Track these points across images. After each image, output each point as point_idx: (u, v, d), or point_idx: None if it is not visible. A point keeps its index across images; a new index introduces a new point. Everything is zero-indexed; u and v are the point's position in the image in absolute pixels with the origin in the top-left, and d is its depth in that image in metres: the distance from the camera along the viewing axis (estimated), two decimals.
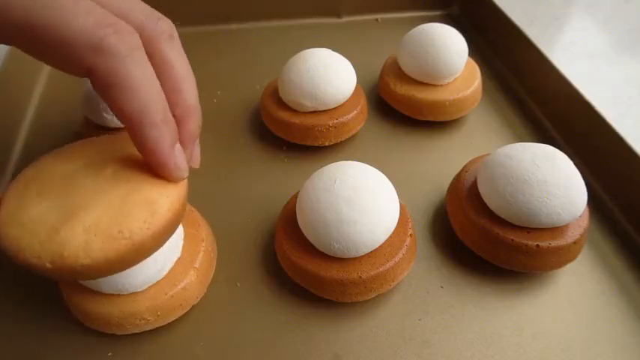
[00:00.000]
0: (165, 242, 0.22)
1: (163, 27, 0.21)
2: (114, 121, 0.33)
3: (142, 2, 0.21)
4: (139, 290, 0.25)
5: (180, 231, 0.27)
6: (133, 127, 0.20)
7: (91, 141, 0.24)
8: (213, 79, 0.45)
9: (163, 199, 0.21)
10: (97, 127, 0.34)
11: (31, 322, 0.27)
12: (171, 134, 0.21)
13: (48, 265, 0.19)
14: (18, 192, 0.21)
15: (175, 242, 0.26)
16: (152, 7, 0.22)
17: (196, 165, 0.25)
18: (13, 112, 0.40)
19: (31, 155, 0.38)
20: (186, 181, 0.23)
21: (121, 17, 0.19)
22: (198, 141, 0.25)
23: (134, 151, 0.22)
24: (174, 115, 0.22)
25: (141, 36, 0.20)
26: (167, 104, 0.21)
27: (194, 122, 0.23)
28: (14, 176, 0.36)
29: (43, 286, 0.28)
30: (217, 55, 0.49)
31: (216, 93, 0.44)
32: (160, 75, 0.21)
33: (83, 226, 0.20)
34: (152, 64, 0.21)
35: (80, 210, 0.20)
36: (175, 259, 0.27)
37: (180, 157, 0.22)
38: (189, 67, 0.23)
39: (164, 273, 0.26)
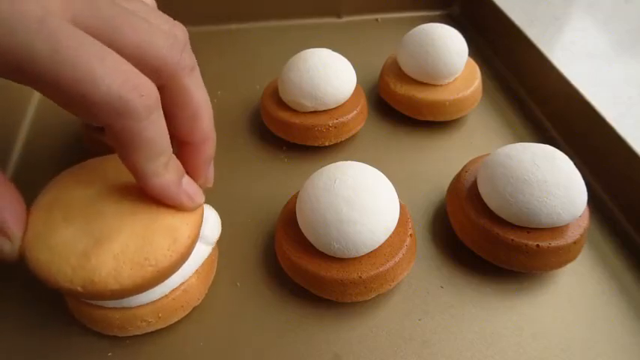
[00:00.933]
0: (181, 266, 0.23)
1: (186, 61, 0.21)
2: None
3: (162, 28, 0.20)
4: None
5: (198, 257, 0.27)
6: (138, 177, 0.21)
7: (104, 161, 0.25)
8: (213, 79, 0.45)
9: (184, 226, 0.23)
10: (97, 127, 0.34)
11: (32, 322, 0.27)
12: (176, 174, 0.22)
13: (79, 289, 0.21)
14: (42, 216, 0.22)
15: (190, 266, 0.26)
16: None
17: (210, 184, 0.26)
18: (13, 112, 0.40)
19: (31, 155, 0.38)
20: (203, 208, 0.24)
21: (142, 53, 0.19)
22: (212, 162, 0.25)
23: None
24: (191, 142, 0.23)
25: (163, 70, 0.20)
26: (170, 145, 0.21)
27: (210, 147, 0.24)
28: (14, 176, 0.36)
29: (44, 287, 0.28)
30: (217, 55, 0.49)
31: (216, 93, 0.44)
32: (178, 106, 0.22)
33: (112, 254, 0.21)
34: (172, 95, 0.21)
35: (107, 237, 0.21)
36: (186, 278, 0.26)
37: (191, 189, 0.23)
38: (206, 94, 0.23)
39: (168, 291, 0.26)
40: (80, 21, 0.18)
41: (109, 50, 0.18)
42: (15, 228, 0.21)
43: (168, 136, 0.20)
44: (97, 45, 0.17)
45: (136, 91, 0.18)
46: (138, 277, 0.21)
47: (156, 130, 0.19)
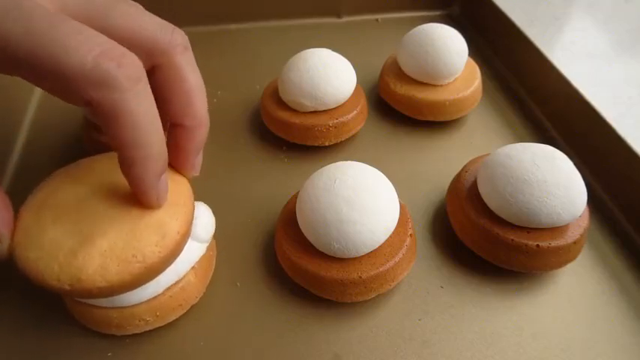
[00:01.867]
0: (172, 262, 0.23)
1: (177, 39, 0.21)
2: None
3: (154, 15, 0.21)
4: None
5: (194, 255, 0.27)
6: (124, 158, 0.20)
7: (96, 161, 0.25)
8: (213, 79, 0.45)
9: (173, 221, 0.22)
10: (97, 127, 0.34)
11: (31, 322, 0.27)
12: (160, 166, 0.21)
13: (67, 287, 0.20)
14: (32, 216, 0.22)
15: (185, 264, 0.26)
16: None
17: (197, 173, 0.25)
18: (13, 112, 0.40)
19: (31, 156, 0.38)
20: (193, 202, 0.24)
21: (134, 35, 0.19)
22: (202, 151, 0.25)
23: None
24: (184, 125, 0.23)
25: (155, 48, 0.20)
26: (163, 134, 0.20)
27: (203, 133, 0.24)
28: (14, 177, 0.36)
29: (44, 289, 0.28)
30: (217, 55, 0.49)
31: (216, 93, 0.44)
32: (171, 86, 0.22)
33: (99, 251, 0.21)
34: (165, 75, 0.21)
35: (95, 234, 0.21)
36: (180, 277, 0.26)
37: (162, 189, 0.22)
38: (201, 78, 0.23)
39: (161, 290, 0.26)
40: (71, 8, 0.18)
41: (87, 27, 0.18)
42: (2, 227, 0.21)
43: (157, 115, 0.20)
44: (74, 22, 0.17)
45: (115, 60, 0.17)
46: (125, 273, 0.21)
47: (142, 103, 0.18)
